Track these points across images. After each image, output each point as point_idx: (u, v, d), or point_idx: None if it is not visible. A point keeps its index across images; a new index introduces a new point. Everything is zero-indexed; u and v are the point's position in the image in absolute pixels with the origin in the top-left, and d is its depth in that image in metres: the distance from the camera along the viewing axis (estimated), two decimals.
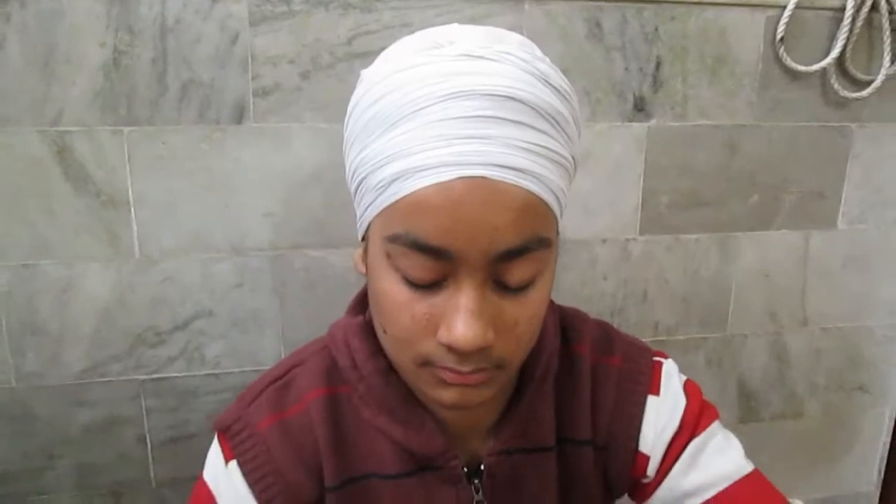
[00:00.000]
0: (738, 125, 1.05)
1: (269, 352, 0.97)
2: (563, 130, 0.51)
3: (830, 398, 1.23)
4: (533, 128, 0.49)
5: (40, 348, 0.93)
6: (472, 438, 0.65)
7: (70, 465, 0.98)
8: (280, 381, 0.66)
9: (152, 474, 1.01)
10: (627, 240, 1.06)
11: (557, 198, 0.52)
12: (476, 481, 0.64)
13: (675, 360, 0.70)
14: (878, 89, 1.05)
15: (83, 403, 0.96)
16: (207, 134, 0.90)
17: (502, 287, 0.51)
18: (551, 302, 0.68)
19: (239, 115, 0.90)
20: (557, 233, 0.54)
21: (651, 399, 0.67)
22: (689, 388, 0.67)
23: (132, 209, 0.91)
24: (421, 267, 0.49)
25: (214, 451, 0.64)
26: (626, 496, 0.71)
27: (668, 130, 1.03)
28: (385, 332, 0.55)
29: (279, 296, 0.97)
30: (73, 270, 0.91)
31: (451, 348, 0.51)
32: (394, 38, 0.53)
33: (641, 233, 1.06)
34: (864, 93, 1.05)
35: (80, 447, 0.98)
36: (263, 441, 0.62)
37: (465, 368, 0.52)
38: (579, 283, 1.06)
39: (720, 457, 0.64)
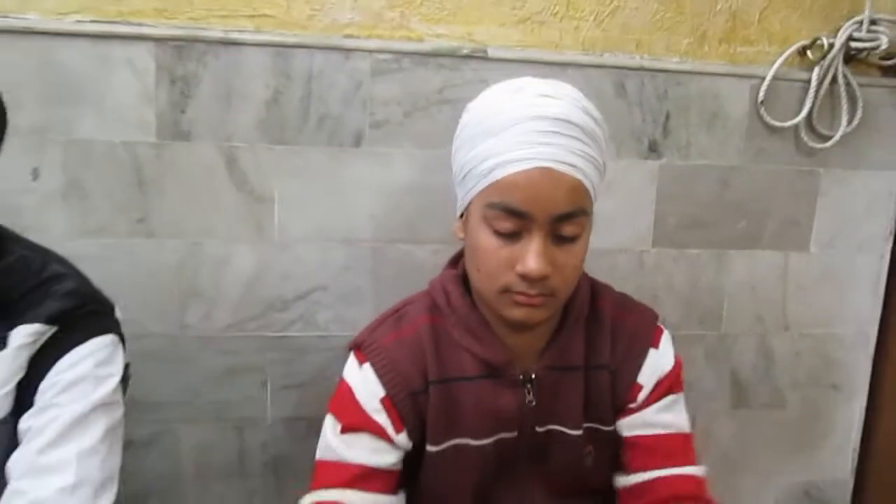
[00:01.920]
0: (730, 166, 1.37)
1: (366, 321, 1.26)
2: (598, 144, 0.83)
3: (809, 393, 1.50)
4: (580, 140, 0.81)
5: (198, 307, 1.25)
6: (526, 358, 0.94)
7: (209, 400, 1.28)
8: (396, 314, 0.97)
9: (269, 413, 1.30)
10: (642, 251, 1.37)
11: (593, 185, 0.84)
12: (528, 386, 0.93)
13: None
14: (838, 143, 1.36)
15: (224, 352, 1.27)
16: (333, 154, 1.24)
17: (558, 239, 0.82)
18: (585, 274, 0.98)
19: (357, 141, 1.24)
20: (592, 209, 0.85)
21: (651, 350, 0.96)
22: (677, 359, 0.97)
23: (275, 206, 1.24)
24: (508, 224, 0.81)
25: (350, 361, 0.94)
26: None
27: (675, 167, 1.35)
28: (478, 270, 0.86)
29: (376, 278, 1.29)
30: (228, 249, 1.24)
31: (524, 277, 0.81)
32: (473, 90, 0.87)
33: (653, 246, 1.37)
34: (828, 144, 1.37)
35: (218, 387, 1.28)
36: (387, 349, 0.92)
37: (532, 291, 0.82)
38: None
39: (682, 414, 0.96)
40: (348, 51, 1.21)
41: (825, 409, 1.52)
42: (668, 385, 0.95)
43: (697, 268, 1.40)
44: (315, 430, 0.94)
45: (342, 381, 0.93)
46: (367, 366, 0.91)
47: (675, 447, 0.93)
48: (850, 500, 1.57)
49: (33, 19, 1.12)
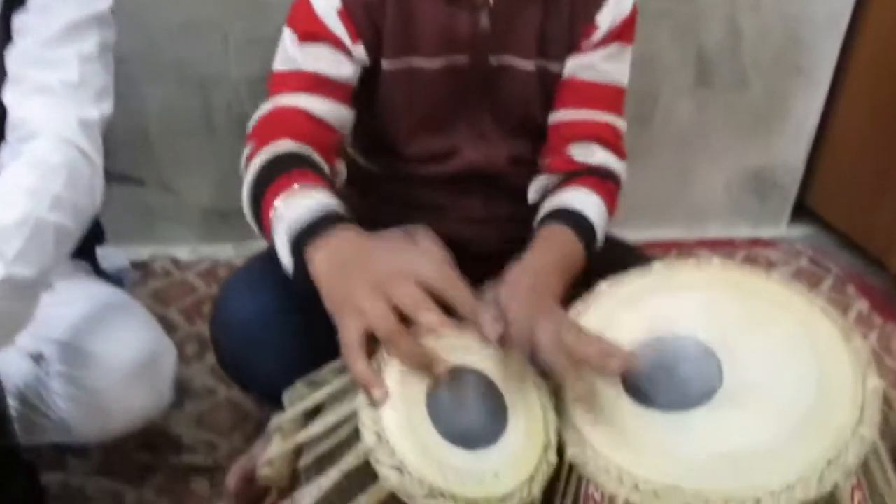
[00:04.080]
0: None
1: None
2: None
3: (773, 75, 1.51)
4: None
5: None
6: None
7: (171, 57, 1.28)
8: None
9: (232, 72, 1.31)
10: None
11: None
12: (485, 11, 0.92)
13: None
14: None
15: (183, 3, 1.25)
16: None
17: None
18: None
19: None
20: None
21: None
22: (635, 6, 0.94)
23: None
24: None
25: None
26: None
27: None
28: None
29: None
30: None
31: None
32: None
33: None
34: None
35: (179, 42, 1.27)
36: None
37: None
38: None
39: (624, 66, 0.96)
40: None
41: (787, 94, 1.54)
42: (619, 32, 0.95)
43: None
44: None
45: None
46: None
47: (605, 95, 0.96)
48: (799, 186, 1.65)
49: None
